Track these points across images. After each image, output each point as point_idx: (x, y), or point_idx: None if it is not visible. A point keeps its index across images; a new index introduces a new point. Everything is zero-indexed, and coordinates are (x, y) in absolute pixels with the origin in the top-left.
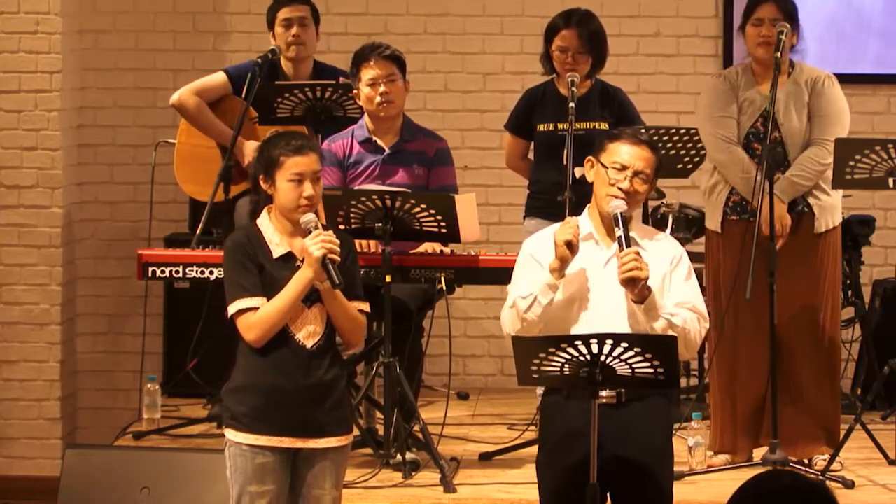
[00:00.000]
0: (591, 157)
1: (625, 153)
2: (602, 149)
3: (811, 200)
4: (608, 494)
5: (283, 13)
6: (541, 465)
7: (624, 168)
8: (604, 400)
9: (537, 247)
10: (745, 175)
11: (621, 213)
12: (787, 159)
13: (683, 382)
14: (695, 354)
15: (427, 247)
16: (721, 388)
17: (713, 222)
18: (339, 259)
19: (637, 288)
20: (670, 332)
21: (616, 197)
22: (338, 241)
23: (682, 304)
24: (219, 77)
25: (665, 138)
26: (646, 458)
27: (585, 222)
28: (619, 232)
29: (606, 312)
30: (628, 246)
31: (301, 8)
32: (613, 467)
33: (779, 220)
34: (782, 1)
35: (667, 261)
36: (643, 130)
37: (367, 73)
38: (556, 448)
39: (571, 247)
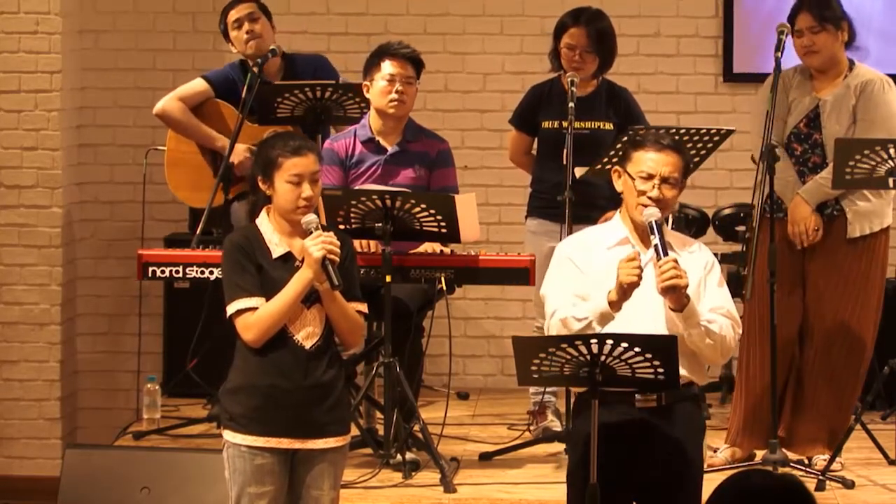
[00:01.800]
0: (618, 168)
1: (650, 161)
2: (627, 158)
3: (845, 205)
4: (634, 500)
5: (231, 16)
6: (574, 466)
7: (651, 177)
8: (640, 404)
9: (574, 251)
10: (780, 175)
11: (655, 221)
12: (826, 161)
13: None
14: (727, 360)
15: (427, 247)
16: (740, 385)
17: (756, 219)
18: (338, 260)
19: (676, 296)
20: (708, 340)
21: (646, 206)
22: (338, 243)
23: (716, 309)
24: (198, 83)
25: None
26: (681, 465)
27: (619, 226)
28: (655, 240)
29: (644, 317)
30: (665, 254)
31: (246, 5)
32: (646, 471)
33: (801, 223)
34: (816, 7)
35: (701, 266)
36: (664, 132)
37: (388, 69)
38: (588, 449)
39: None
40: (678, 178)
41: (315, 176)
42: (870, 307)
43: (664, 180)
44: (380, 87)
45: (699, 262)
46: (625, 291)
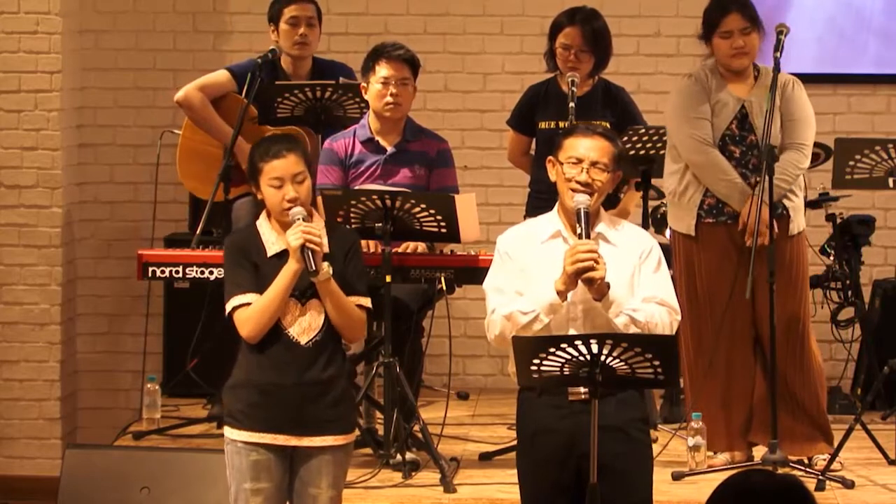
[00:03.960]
0: (551, 158)
1: (578, 146)
2: (559, 147)
3: (786, 203)
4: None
5: (291, 10)
6: (517, 462)
7: (579, 161)
8: (583, 396)
9: (510, 245)
10: (724, 178)
11: (584, 210)
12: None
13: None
14: None
15: (408, 245)
16: (707, 390)
17: (684, 225)
18: (320, 249)
19: (595, 285)
20: (633, 329)
21: (576, 191)
22: (318, 232)
23: (649, 298)
24: (222, 74)
25: (665, 138)
26: (620, 458)
27: (554, 220)
28: (580, 229)
29: (575, 309)
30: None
31: (309, 7)
32: (587, 465)
33: (763, 222)
34: (745, 8)
35: (636, 254)
36: (597, 123)
37: (382, 71)
38: (528, 445)
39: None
40: (608, 164)
41: (298, 177)
42: (807, 301)
43: (593, 164)
44: (375, 91)
45: (633, 250)
46: (571, 284)
